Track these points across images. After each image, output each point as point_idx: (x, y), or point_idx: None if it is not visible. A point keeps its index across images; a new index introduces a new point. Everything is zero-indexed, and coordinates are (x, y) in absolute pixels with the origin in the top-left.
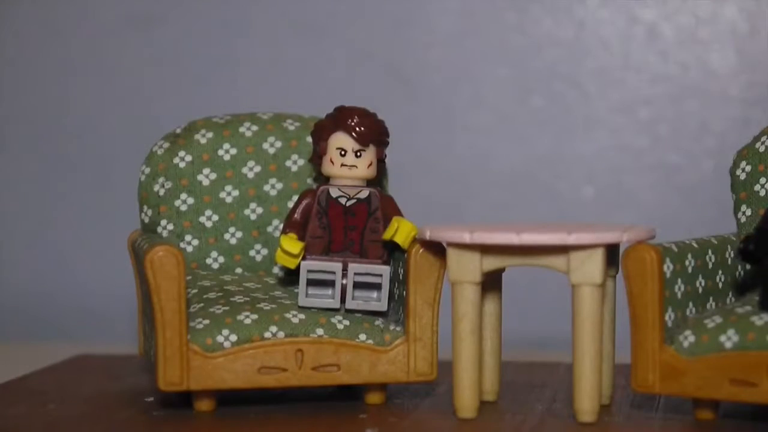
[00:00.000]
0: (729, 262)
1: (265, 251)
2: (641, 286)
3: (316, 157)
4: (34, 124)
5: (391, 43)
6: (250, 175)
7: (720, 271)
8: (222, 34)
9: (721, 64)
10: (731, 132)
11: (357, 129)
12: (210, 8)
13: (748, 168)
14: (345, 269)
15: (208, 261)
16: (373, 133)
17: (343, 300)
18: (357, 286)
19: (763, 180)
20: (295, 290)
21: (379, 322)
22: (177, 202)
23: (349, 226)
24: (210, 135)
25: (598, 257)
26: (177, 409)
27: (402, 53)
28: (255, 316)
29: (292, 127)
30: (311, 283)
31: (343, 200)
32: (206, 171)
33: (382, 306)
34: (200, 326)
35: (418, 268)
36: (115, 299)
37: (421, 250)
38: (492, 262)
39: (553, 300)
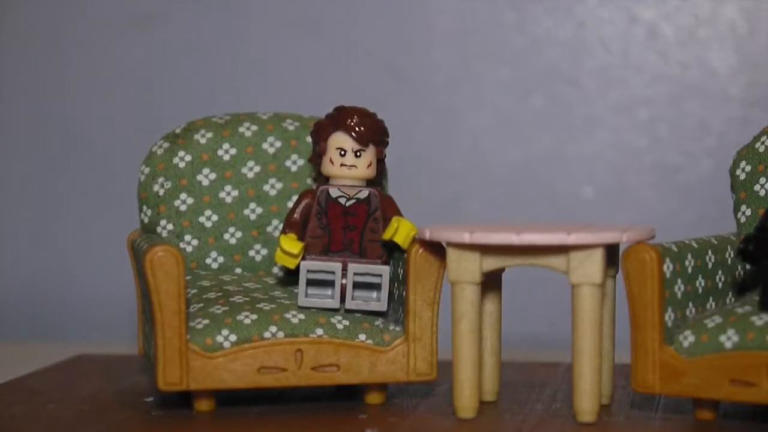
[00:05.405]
0: (729, 262)
1: (264, 251)
2: (641, 286)
3: (316, 157)
4: (33, 123)
5: (391, 43)
6: (250, 175)
7: (720, 271)
8: (222, 34)
9: (720, 64)
10: (731, 132)
11: (356, 129)
12: (210, 8)
13: (748, 168)
14: (345, 269)
15: (208, 261)
16: (372, 133)
17: (342, 300)
18: (357, 286)
19: (762, 180)
20: (295, 290)
21: (378, 322)
22: (176, 202)
23: (348, 226)
24: (209, 135)
25: (597, 257)
26: (177, 409)
27: (402, 53)
28: (254, 316)
29: (291, 127)
30: (311, 283)
31: (342, 200)
32: (206, 171)
33: (382, 306)
34: (200, 326)
35: (418, 268)
36: (114, 299)
37: (420, 250)
38: (492, 262)
39: (552, 300)
